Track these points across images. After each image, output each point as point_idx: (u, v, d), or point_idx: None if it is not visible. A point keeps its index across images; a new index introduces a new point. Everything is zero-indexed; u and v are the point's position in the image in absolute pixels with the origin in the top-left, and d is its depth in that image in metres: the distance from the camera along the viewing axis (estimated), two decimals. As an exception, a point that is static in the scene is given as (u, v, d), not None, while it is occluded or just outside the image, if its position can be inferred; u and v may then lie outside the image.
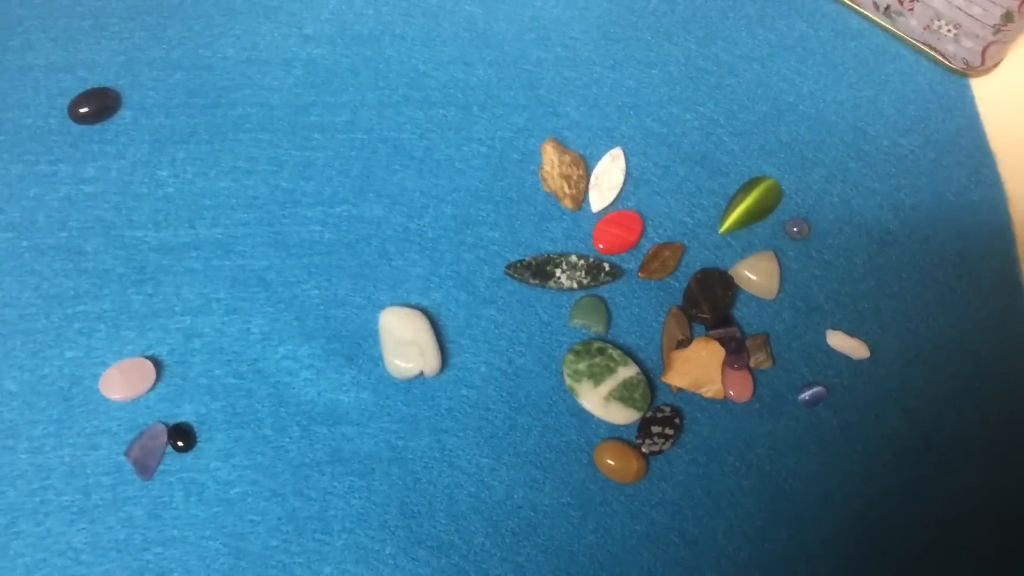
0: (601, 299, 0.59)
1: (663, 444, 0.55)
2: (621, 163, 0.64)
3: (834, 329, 0.59)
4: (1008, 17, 0.62)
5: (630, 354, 0.58)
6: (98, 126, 0.63)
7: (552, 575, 0.52)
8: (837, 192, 0.64)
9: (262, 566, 0.51)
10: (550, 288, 0.59)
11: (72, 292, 0.58)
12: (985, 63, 0.67)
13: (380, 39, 0.69)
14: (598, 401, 0.55)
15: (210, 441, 0.54)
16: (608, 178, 0.63)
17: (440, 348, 0.56)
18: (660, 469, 0.55)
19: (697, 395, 0.57)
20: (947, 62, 0.69)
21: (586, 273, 0.59)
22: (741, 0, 0.72)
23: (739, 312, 0.60)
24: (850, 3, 0.72)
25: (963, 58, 0.68)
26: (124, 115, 0.64)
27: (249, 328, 0.57)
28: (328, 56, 0.68)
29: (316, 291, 0.59)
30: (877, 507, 0.55)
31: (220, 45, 0.67)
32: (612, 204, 0.63)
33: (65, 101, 0.64)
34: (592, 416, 0.56)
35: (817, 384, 0.57)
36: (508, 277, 0.60)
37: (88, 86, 0.65)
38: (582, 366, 0.56)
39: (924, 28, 0.68)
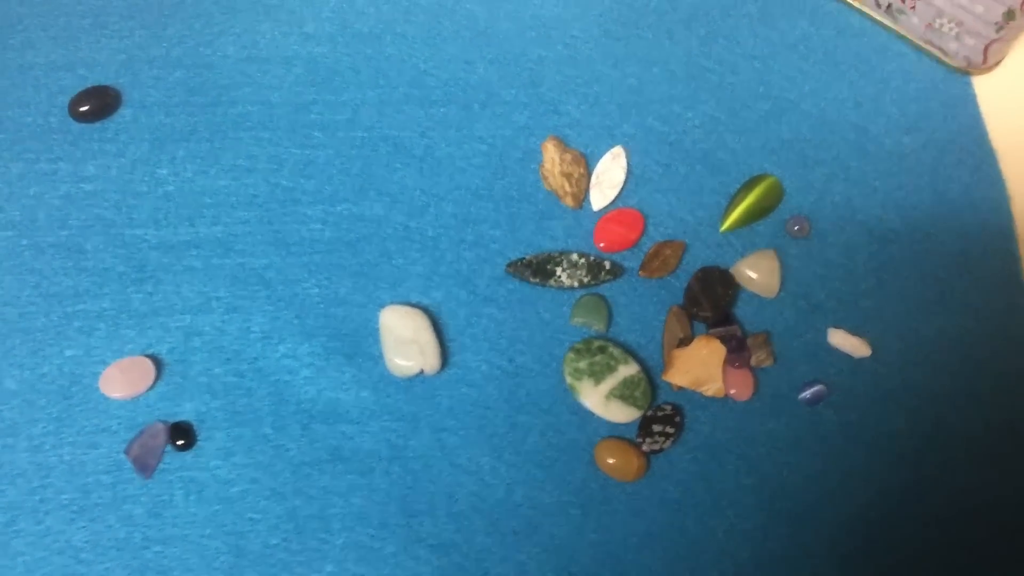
0: (602, 297, 0.59)
1: (664, 443, 0.55)
2: (622, 161, 0.64)
3: (835, 328, 0.59)
4: (1010, 15, 0.62)
5: (631, 352, 0.58)
6: (98, 124, 0.63)
7: (553, 573, 0.52)
8: (838, 190, 0.64)
9: (262, 564, 0.51)
10: (551, 286, 0.59)
11: (72, 290, 0.58)
12: (987, 61, 0.67)
13: (381, 37, 0.69)
14: (599, 399, 0.55)
15: (210, 440, 0.54)
16: (609, 176, 0.63)
17: (440, 346, 0.56)
18: (661, 468, 0.55)
19: (698, 394, 0.57)
20: (949, 60, 0.69)
21: (587, 271, 0.59)
22: (742, -2, 0.72)
23: (740, 310, 0.60)
24: (852, 1, 0.72)
25: (965, 56, 0.68)
26: (124, 113, 0.64)
27: (249, 327, 0.57)
28: (329, 54, 0.68)
29: (316, 289, 0.59)
30: (878, 506, 0.55)
31: (220, 43, 0.67)
32: (613, 202, 0.63)
33: (65, 99, 0.64)
34: (593, 414, 0.56)
35: (818, 383, 0.57)
36: (509, 275, 0.60)
37: (88, 84, 0.64)
38: (583, 364, 0.56)
39: (926, 26, 0.68)
